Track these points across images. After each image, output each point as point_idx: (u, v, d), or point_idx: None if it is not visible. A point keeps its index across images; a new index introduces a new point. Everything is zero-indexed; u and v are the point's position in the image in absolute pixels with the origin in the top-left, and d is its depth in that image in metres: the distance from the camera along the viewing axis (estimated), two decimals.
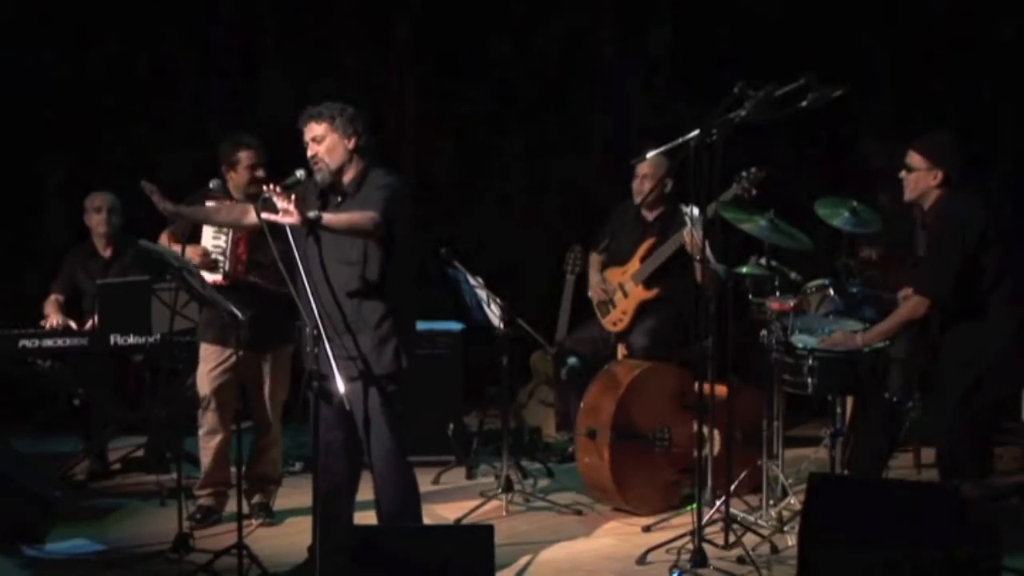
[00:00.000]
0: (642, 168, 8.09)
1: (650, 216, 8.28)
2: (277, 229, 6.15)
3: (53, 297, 8.41)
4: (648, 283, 8.14)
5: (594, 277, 8.47)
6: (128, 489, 8.12)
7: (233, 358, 7.34)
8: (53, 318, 8.23)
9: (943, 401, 6.70)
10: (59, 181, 10.09)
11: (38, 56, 9.89)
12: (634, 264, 8.22)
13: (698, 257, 6.85)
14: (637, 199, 8.18)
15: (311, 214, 6.03)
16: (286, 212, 5.93)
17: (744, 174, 7.55)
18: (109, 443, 8.57)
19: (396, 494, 6.41)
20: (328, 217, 6.10)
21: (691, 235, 7.24)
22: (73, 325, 8.24)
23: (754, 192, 7.54)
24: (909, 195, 6.76)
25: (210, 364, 7.44)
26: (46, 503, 7.37)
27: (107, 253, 8.54)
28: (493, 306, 7.86)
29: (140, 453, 8.58)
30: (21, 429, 8.83)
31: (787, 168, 8.01)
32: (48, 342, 8.07)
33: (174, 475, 7.20)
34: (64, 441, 8.61)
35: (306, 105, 6.44)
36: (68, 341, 8.10)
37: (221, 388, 7.44)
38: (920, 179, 6.71)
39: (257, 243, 7.05)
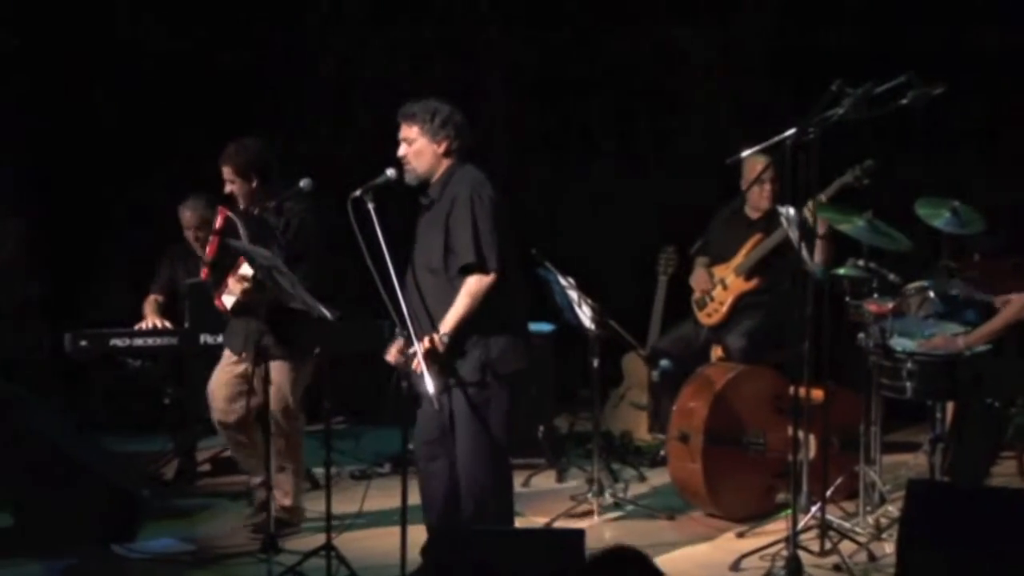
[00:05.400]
0: (749, 167, 7.99)
1: (755, 215, 8.26)
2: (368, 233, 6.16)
3: (152, 297, 8.41)
4: (749, 275, 8.12)
5: (699, 270, 8.43)
6: (217, 489, 8.12)
7: (243, 366, 7.34)
8: (150, 319, 8.24)
9: None
10: (157, 181, 10.12)
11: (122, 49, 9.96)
12: (738, 259, 8.19)
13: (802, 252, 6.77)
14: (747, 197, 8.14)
15: (439, 339, 6.12)
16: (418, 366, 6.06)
17: (857, 164, 7.47)
18: (198, 442, 8.58)
19: (486, 497, 6.36)
20: (451, 326, 6.15)
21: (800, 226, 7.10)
22: (169, 325, 8.23)
23: (866, 182, 7.44)
24: None
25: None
26: (136, 502, 7.41)
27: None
28: (584, 307, 7.79)
29: (229, 453, 8.56)
30: (111, 428, 8.86)
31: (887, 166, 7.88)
32: (139, 341, 8.08)
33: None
34: (153, 440, 8.66)
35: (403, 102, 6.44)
36: (158, 340, 8.11)
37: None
38: None
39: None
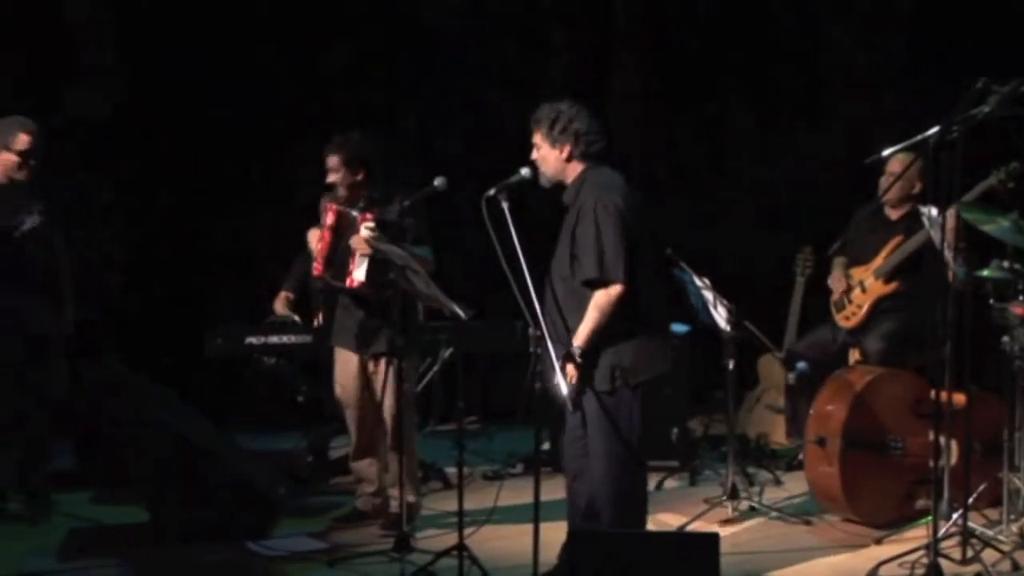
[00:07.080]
0: (892, 164, 7.85)
1: (895, 215, 8.12)
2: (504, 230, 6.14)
3: (283, 294, 8.48)
4: (889, 278, 7.99)
5: (837, 271, 8.31)
6: (349, 487, 8.13)
7: (360, 363, 7.38)
8: (280, 315, 8.30)
9: None
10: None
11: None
12: (878, 261, 8.06)
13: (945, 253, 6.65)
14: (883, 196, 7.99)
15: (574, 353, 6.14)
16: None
17: (1003, 167, 7.32)
18: (332, 440, 8.62)
19: (618, 500, 6.32)
20: (582, 340, 6.14)
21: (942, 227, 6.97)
22: (299, 322, 8.28)
23: (1011, 185, 7.31)
24: None
25: (342, 368, 7.46)
26: (272, 501, 7.47)
27: None
28: (720, 308, 7.70)
29: None
30: (246, 425, 8.94)
31: None
32: (273, 339, 8.13)
33: None
34: (287, 438, 8.71)
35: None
36: (293, 338, 8.15)
37: (352, 393, 7.44)
38: None
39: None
